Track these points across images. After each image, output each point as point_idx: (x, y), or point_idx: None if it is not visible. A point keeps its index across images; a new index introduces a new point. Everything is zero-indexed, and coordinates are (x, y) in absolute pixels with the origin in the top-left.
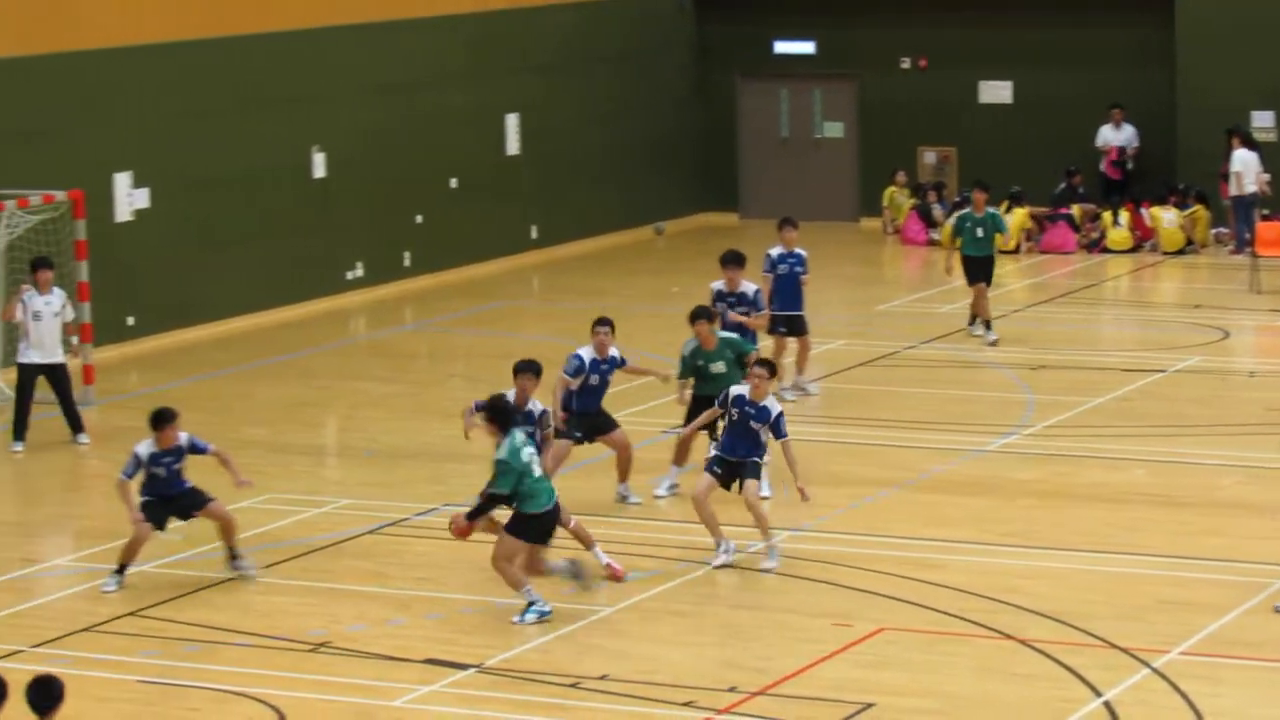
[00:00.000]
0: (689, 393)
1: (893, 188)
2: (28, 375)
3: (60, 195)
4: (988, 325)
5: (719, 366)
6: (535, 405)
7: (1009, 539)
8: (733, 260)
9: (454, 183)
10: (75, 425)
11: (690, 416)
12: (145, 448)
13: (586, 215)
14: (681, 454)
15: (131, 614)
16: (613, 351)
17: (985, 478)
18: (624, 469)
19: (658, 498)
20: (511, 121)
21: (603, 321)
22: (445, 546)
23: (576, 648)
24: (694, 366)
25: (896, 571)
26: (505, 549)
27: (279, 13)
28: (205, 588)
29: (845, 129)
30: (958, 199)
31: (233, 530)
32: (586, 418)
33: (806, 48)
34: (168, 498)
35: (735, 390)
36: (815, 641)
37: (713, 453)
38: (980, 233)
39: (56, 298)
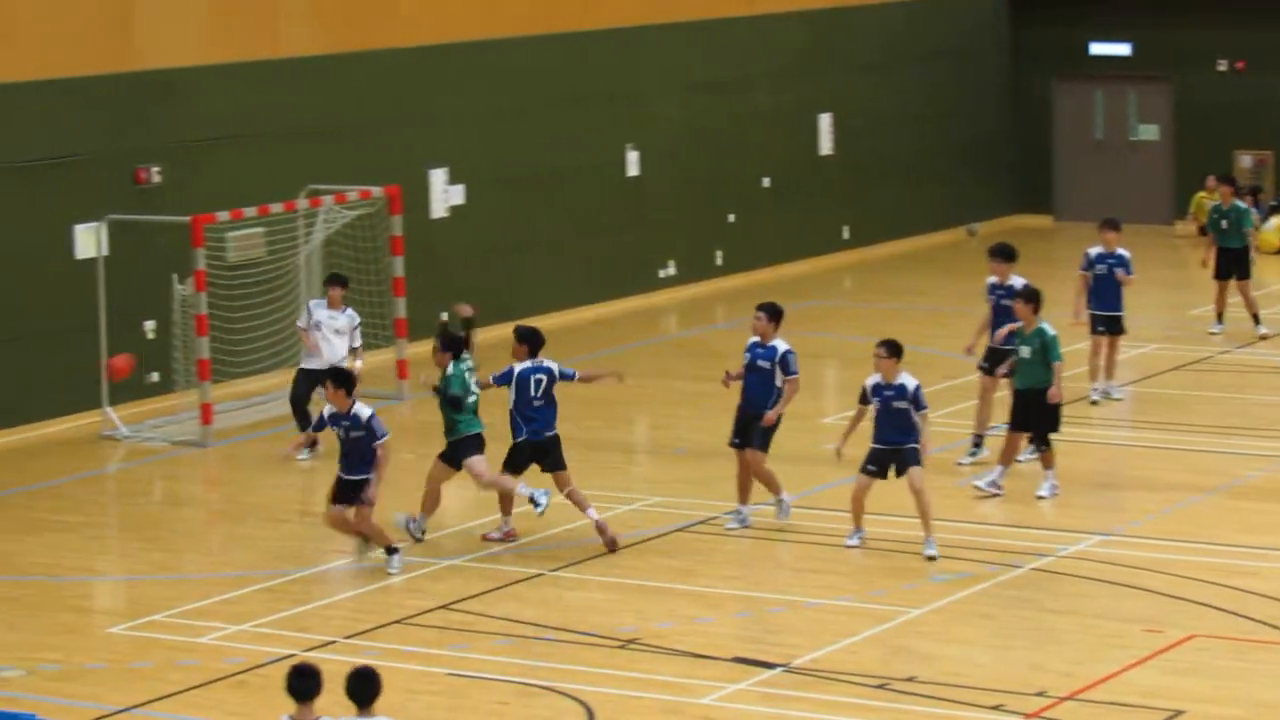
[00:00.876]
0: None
1: (1202, 193)
2: (301, 379)
3: (377, 191)
4: (1256, 319)
5: (1024, 352)
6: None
7: None
8: (999, 253)
9: (766, 182)
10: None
11: (1014, 413)
12: None
13: (899, 215)
14: (1009, 452)
15: (442, 608)
16: (776, 341)
17: None
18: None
19: (977, 489)
20: (824, 121)
21: (758, 306)
22: (755, 545)
23: (884, 649)
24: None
25: (1208, 578)
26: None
27: (597, 11)
28: (515, 583)
29: (1160, 131)
30: (1275, 202)
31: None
32: (744, 413)
33: (1122, 49)
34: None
35: (870, 380)
36: (1125, 647)
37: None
38: (1225, 225)
39: (344, 317)
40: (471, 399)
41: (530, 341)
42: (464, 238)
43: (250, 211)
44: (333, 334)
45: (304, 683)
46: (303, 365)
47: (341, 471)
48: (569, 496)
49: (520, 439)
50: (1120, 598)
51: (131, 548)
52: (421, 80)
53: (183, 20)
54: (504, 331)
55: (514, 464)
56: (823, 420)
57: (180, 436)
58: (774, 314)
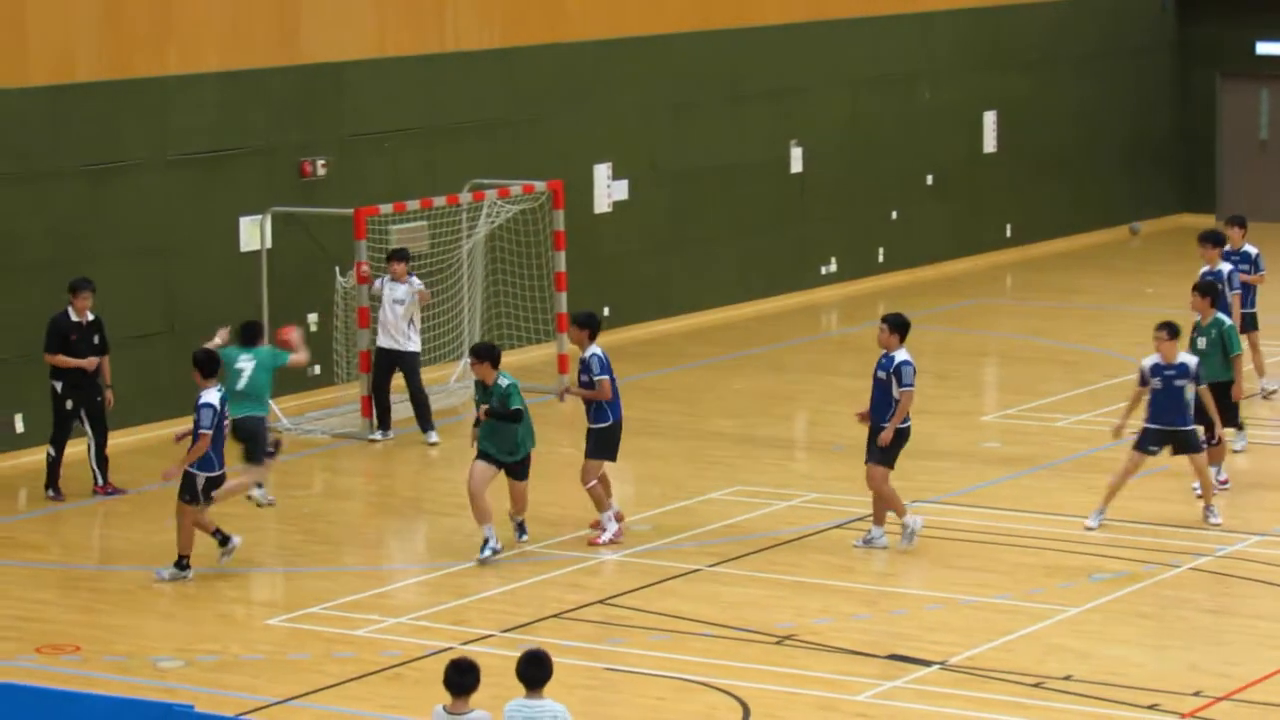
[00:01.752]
0: None
1: None
2: (378, 360)
3: (540, 185)
4: None
5: (1200, 344)
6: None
7: None
8: (1208, 238)
9: (930, 179)
10: (423, 421)
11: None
12: None
13: (1062, 213)
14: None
15: (600, 602)
16: (898, 352)
17: None
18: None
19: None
20: (989, 119)
21: (882, 317)
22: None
23: (1041, 647)
24: (1190, 338)
25: None
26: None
27: (761, 7)
28: (673, 578)
29: None
30: None
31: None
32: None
33: None
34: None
35: (1149, 361)
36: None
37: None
38: None
39: (404, 287)
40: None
41: (593, 327)
42: (626, 233)
43: (413, 204)
44: (391, 304)
45: (463, 678)
46: (378, 344)
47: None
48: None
49: (610, 422)
50: (1277, 597)
51: (291, 540)
52: (587, 75)
53: (350, 14)
54: (663, 327)
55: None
56: (982, 418)
57: (341, 429)
58: (896, 325)
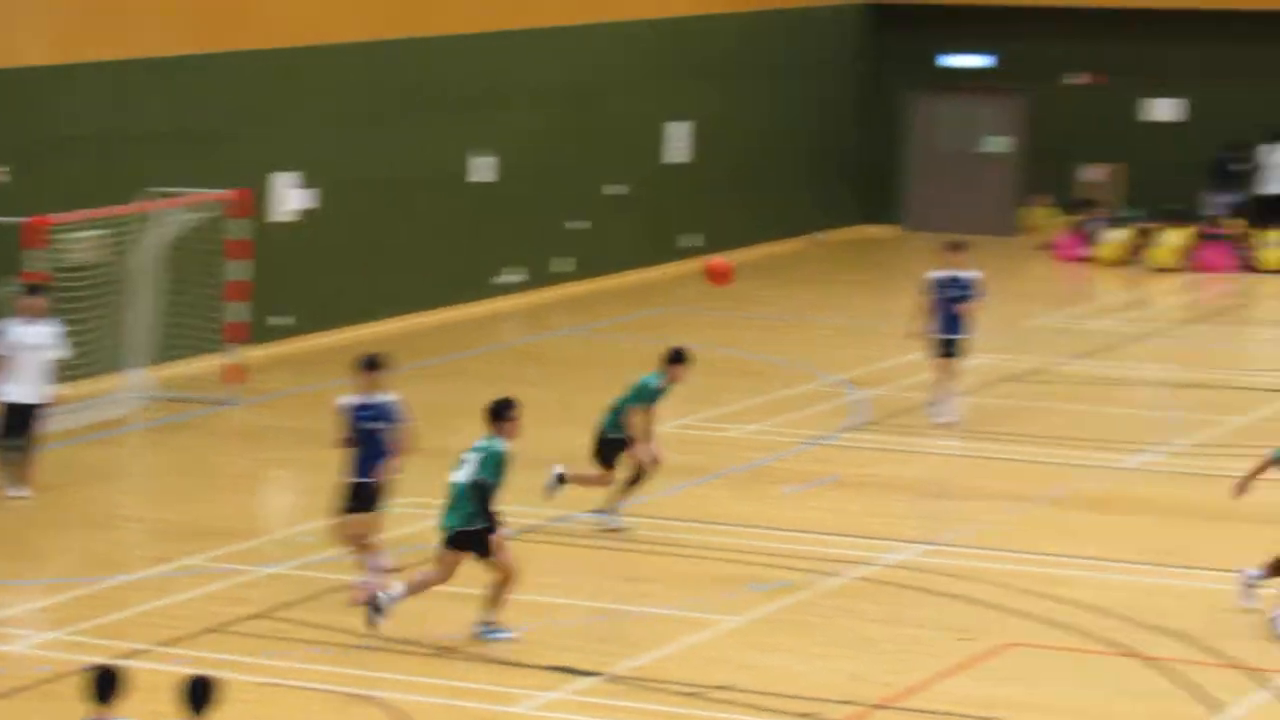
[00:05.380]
0: None
1: (1038, 208)
2: (12, 415)
3: (220, 194)
4: None
5: None
6: None
7: (1142, 556)
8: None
9: (614, 190)
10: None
11: None
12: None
13: (747, 224)
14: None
15: (260, 616)
16: None
17: (1122, 495)
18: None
19: None
20: (674, 129)
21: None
22: (578, 553)
23: (702, 658)
24: None
25: (1031, 587)
26: None
27: (447, 16)
28: (333, 591)
29: (1011, 144)
30: (1123, 214)
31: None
32: None
33: (977, 62)
34: None
35: None
36: (939, 656)
37: None
38: None
39: (45, 330)
40: None
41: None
42: (309, 242)
43: (91, 214)
44: (29, 350)
45: (105, 686)
46: (9, 400)
47: None
48: None
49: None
50: (939, 607)
51: None
52: (271, 84)
53: (32, 18)
54: (347, 335)
55: None
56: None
57: None
58: None
